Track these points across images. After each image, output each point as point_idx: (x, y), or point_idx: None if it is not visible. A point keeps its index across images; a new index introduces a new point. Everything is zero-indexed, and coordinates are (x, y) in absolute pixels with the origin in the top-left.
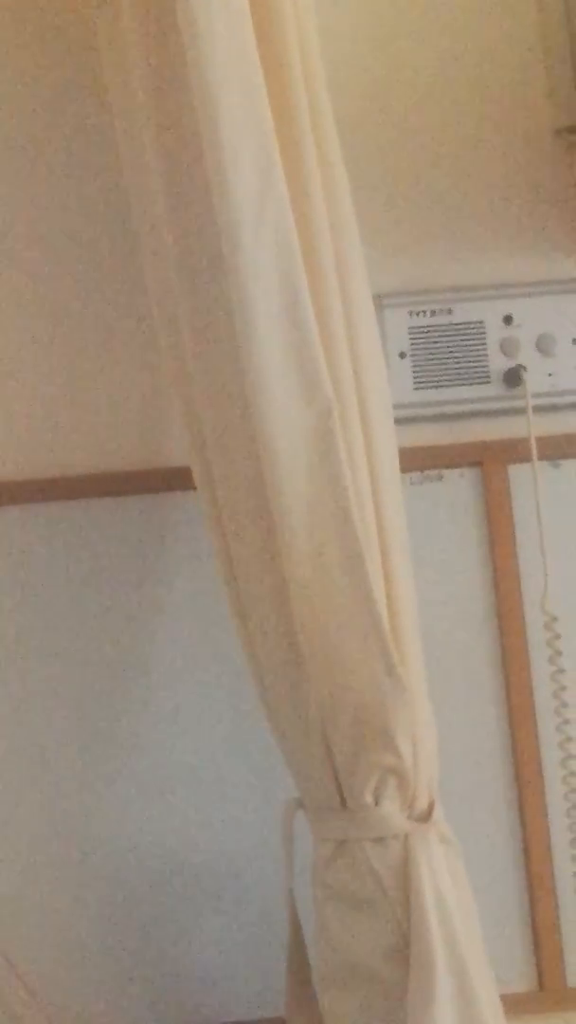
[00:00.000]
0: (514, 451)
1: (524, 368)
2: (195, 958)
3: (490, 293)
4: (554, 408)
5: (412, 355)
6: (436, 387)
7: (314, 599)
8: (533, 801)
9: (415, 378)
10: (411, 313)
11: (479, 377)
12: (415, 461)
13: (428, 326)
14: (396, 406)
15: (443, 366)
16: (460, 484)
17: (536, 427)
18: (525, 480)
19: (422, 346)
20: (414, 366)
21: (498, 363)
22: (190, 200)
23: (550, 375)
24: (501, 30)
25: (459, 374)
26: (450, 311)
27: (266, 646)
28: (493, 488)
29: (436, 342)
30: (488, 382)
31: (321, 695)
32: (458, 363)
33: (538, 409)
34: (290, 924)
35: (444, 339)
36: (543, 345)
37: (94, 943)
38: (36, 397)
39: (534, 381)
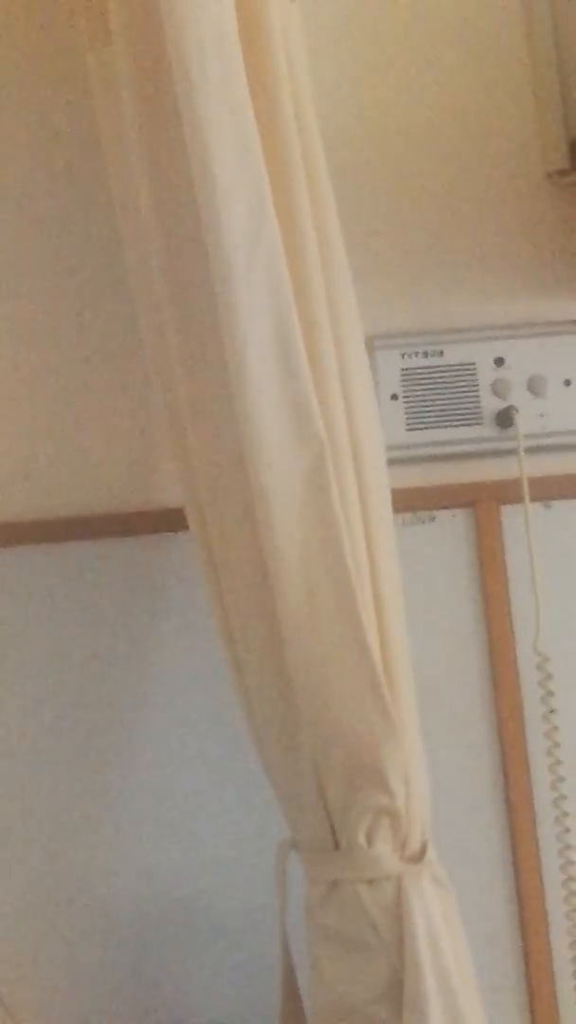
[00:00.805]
0: (506, 492)
1: (516, 409)
2: (188, 999)
3: (482, 335)
4: (546, 449)
5: (404, 397)
6: (428, 428)
7: (306, 640)
8: (526, 841)
9: (407, 419)
10: (403, 355)
11: (471, 418)
12: (407, 502)
13: (420, 368)
14: (388, 447)
15: (435, 407)
16: (452, 525)
17: (528, 468)
18: (517, 521)
19: (414, 388)
20: (406, 407)
21: (490, 404)
22: (183, 243)
23: (541, 416)
24: (493, 74)
25: (451, 415)
26: (442, 353)
27: (259, 686)
28: (485, 529)
29: (428, 384)
30: (480, 423)
31: (313, 735)
32: (450, 404)
33: (530, 450)
34: (282, 965)
35: (436, 381)
36: (534, 386)
37: (85, 981)
38: (27, 438)
39: (526, 422)
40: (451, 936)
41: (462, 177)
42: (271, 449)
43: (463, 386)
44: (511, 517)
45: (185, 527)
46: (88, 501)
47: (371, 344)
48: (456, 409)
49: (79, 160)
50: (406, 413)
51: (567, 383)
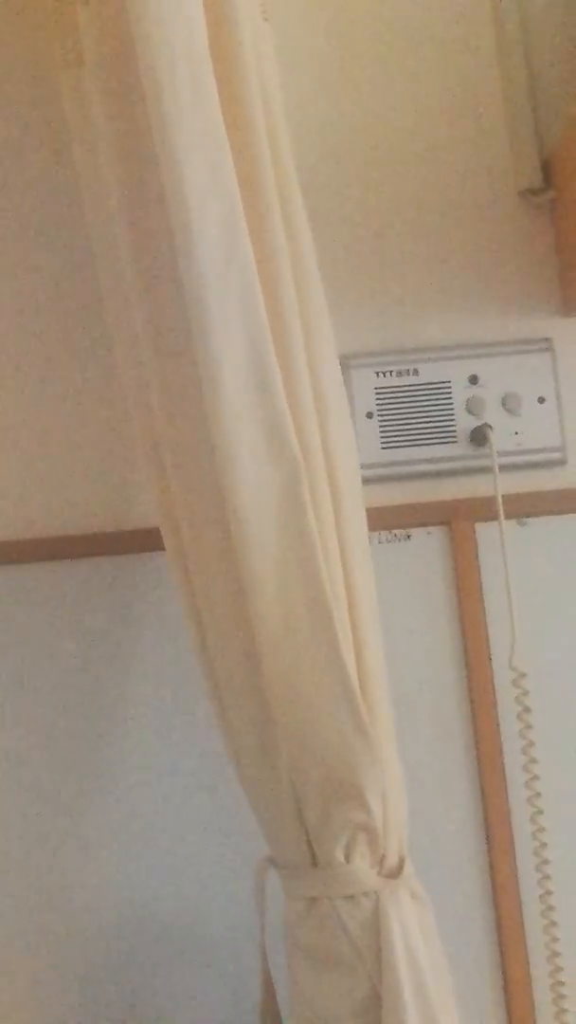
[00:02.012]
0: (481, 510)
1: (490, 427)
2: (168, 1015)
3: (456, 353)
4: (520, 466)
5: (379, 415)
6: (403, 446)
7: (283, 658)
8: (503, 856)
9: (382, 438)
10: (377, 373)
11: (446, 436)
12: (383, 520)
13: (394, 386)
14: (363, 466)
15: (410, 426)
16: (428, 543)
17: (503, 485)
18: (492, 538)
19: (389, 406)
20: (381, 426)
21: (464, 422)
22: (156, 262)
23: (516, 434)
24: (466, 94)
25: (426, 434)
26: (416, 371)
27: (236, 704)
28: (460, 546)
29: (403, 402)
30: (455, 441)
31: (291, 753)
32: (425, 423)
33: (504, 468)
34: (262, 981)
35: (410, 399)
36: (509, 404)
37: (65, 996)
38: (3, 460)
39: (500, 440)
40: (429, 951)
41: (435, 196)
42: (246, 468)
43: (438, 404)
44: (486, 534)
45: (161, 547)
46: (64, 521)
47: (346, 363)
48: (431, 427)
49: (53, 180)
50: (381, 431)
51: (541, 400)
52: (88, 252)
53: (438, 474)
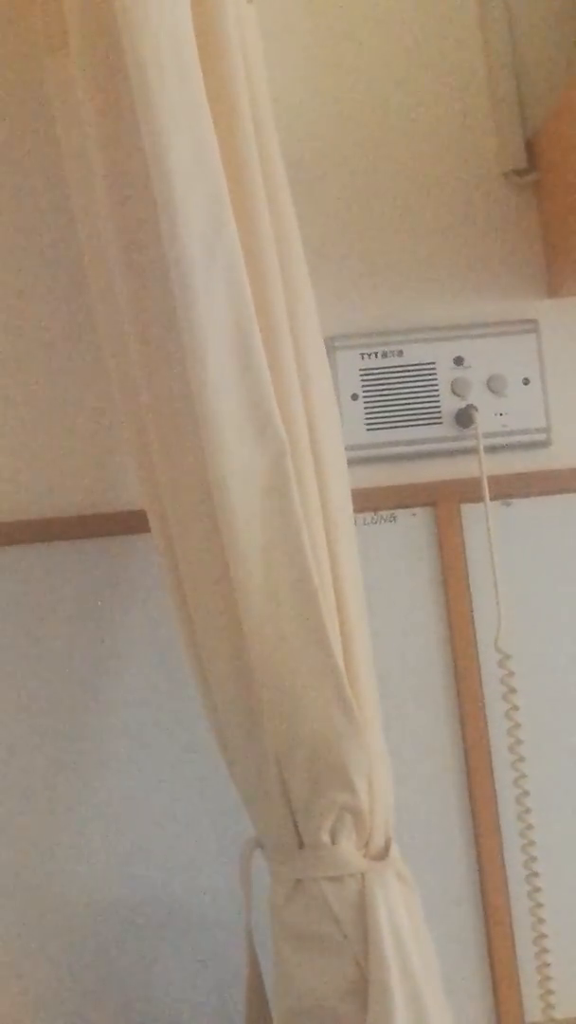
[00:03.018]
0: (466, 491)
1: (475, 408)
2: (154, 998)
3: (441, 335)
4: (505, 448)
5: (364, 397)
6: (388, 428)
7: (268, 639)
8: (488, 836)
9: (367, 419)
10: (362, 355)
11: (431, 418)
12: (368, 502)
13: (379, 368)
14: (349, 447)
15: (395, 407)
16: (413, 524)
17: (488, 467)
18: (478, 519)
19: (374, 388)
20: (366, 407)
21: (449, 404)
22: (142, 246)
23: (501, 415)
24: (451, 76)
25: (411, 415)
26: (401, 353)
27: (221, 687)
28: (446, 528)
29: (388, 383)
30: (440, 423)
31: (276, 734)
32: (410, 404)
33: (490, 449)
34: (248, 963)
35: (396, 380)
36: (494, 385)
37: (53, 984)
38: None
39: (485, 421)
40: (415, 932)
41: (419, 177)
42: (231, 450)
43: (423, 386)
44: (471, 515)
45: (146, 529)
46: (49, 504)
47: (331, 344)
48: (416, 408)
49: (38, 164)
50: (366, 413)
51: (526, 382)
52: (74, 236)
53: (423, 455)
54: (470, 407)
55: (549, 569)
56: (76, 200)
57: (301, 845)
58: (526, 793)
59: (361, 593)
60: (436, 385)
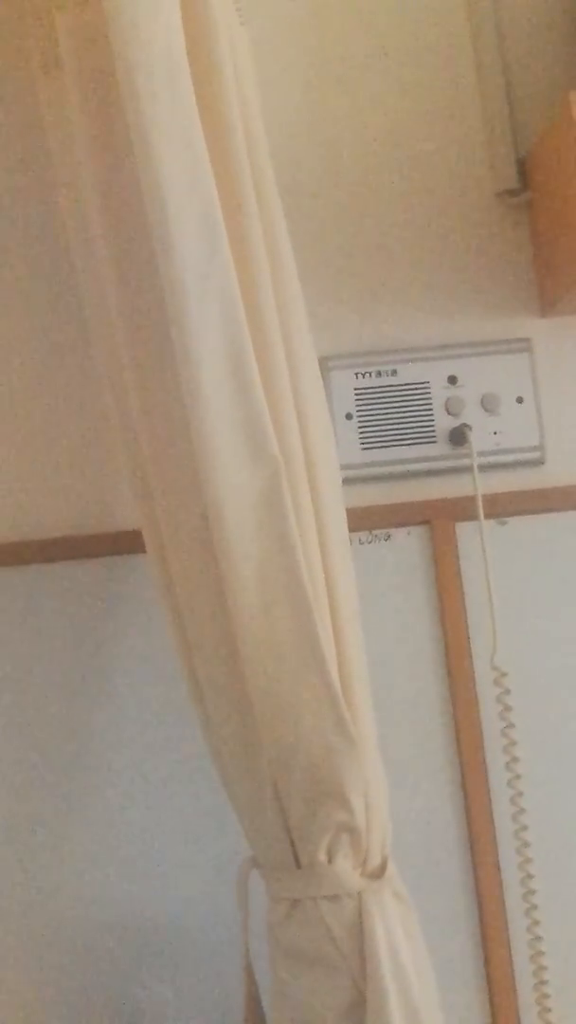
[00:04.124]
0: (461, 509)
1: (469, 427)
2: (150, 1018)
3: (434, 354)
4: (500, 466)
5: (358, 416)
6: (383, 447)
7: (264, 659)
8: (485, 855)
9: (362, 439)
10: (357, 374)
11: (425, 437)
12: (363, 521)
13: (374, 387)
14: (343, 467)
15: (389, 426)
16: (408, 543)
17: (482, 485)
18: (472, 538)
19: (368, 407)
20: (360, 427)
21: (444, 423)
22: (135, 266)
23: (495, 433)
24: (443, 97)
25: (405, 434)
26: (395, 372)
27: (217, 706)
28: (441, 546)
29: (382, 403)
30: (434, 441)
31: (273, 754)
32: (404, 423)
33: (484, 467)
34: (246, 983)
35: (390, 400)
36: (488, 404)
37: (49, 1002)
38: None
39: (479, 440)
40: (413, 951)
41: (412, 197)
42: (226, 470)
43: (417, 405)
44: (466, 534)
45: (142, 549)
46: (44, 524)
47: (325, 364)
48: (410, 428)
49: (31, 185)
50: (360, 432)
51: (519, 400)
52: (68, 256)
53: (418, 474)
54: (464, 426)
55: (544, 587)
56: (69, 221)
57: (298, 865)
58: (523, 811)
59: (356, 612)
60: (430, 404)
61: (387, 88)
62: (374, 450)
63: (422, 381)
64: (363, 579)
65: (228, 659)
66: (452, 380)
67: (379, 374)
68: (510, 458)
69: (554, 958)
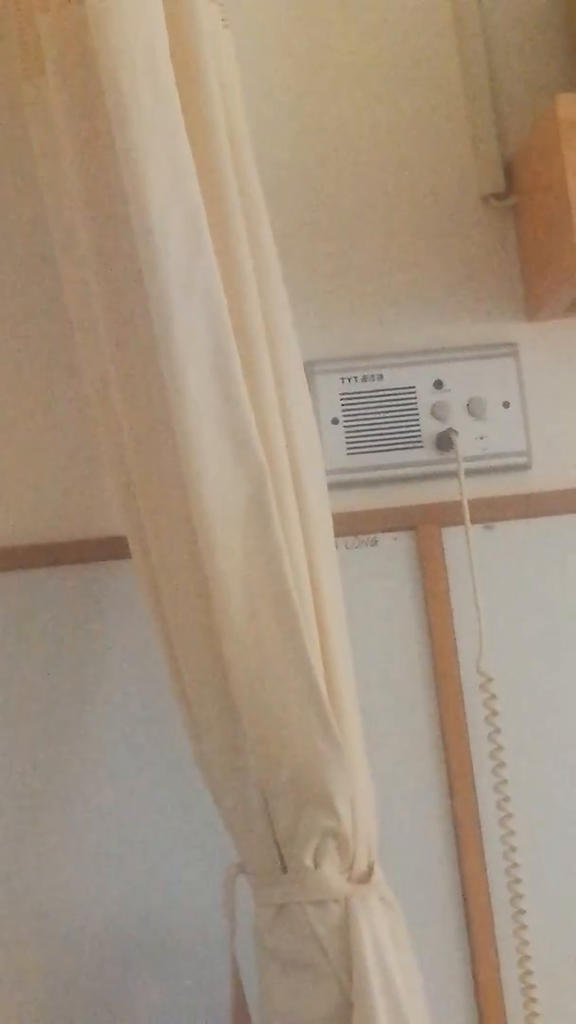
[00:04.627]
0: (447, 514)
1: (455, 432)
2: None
3: (420, 358)
4: (486, 471)
5: (344, 421)
6: (369, 452)
7: (250, 664)
8: (472, 859)
9: (348, 443)
10: (342, 379)
11: (411, 442)
12: (349, 526)
13: (360, 392)
14: (329, 472)
15: (375, 431)
16: (394, 548)
17: (468, 490)
18: (459, 543)
19: (354, 412)
20: (347, 432)
21: (430, 427)
22: (121, 271)
23: (481, 438)
24: (428, 99)
25: (391, 439)
26: (381, 377)
27: (204, 711)
28: (427, 551)
29: (368, 407)
30: (420, 446)
31: (259, 759)
32: (390, 428)
33: (470, 472)
34: (232, 989)
35: (376, 404)
36: (474, 409)
37: (35, 1006)
38: None
39: (465, 445)
40: (399, 956)
41: (398, 201)
42: (211, 476)
43: (403, 409)
44: (453, 539)
45: (127, 555)
46: (29, 530)
47: (311, 369)
48: (396, 432)
49: (15, 192)
50: (346, 437)
51: (506, 405)
52: (53, 263)
53: (404, 479)
54: (450, 431)
55: (530, 592)
56: (54, 226)
57: (284, 870)
58: (509, 815)
59: (343, 618)
60: (416, 409)
61: (372, 92)
62: (360, 455)
63: (408, 386)
64: (349, 584)
65: (214, 664)
66: (438, 385)
67: (365, 379)
68: (496, 463)
69: (541, 962)
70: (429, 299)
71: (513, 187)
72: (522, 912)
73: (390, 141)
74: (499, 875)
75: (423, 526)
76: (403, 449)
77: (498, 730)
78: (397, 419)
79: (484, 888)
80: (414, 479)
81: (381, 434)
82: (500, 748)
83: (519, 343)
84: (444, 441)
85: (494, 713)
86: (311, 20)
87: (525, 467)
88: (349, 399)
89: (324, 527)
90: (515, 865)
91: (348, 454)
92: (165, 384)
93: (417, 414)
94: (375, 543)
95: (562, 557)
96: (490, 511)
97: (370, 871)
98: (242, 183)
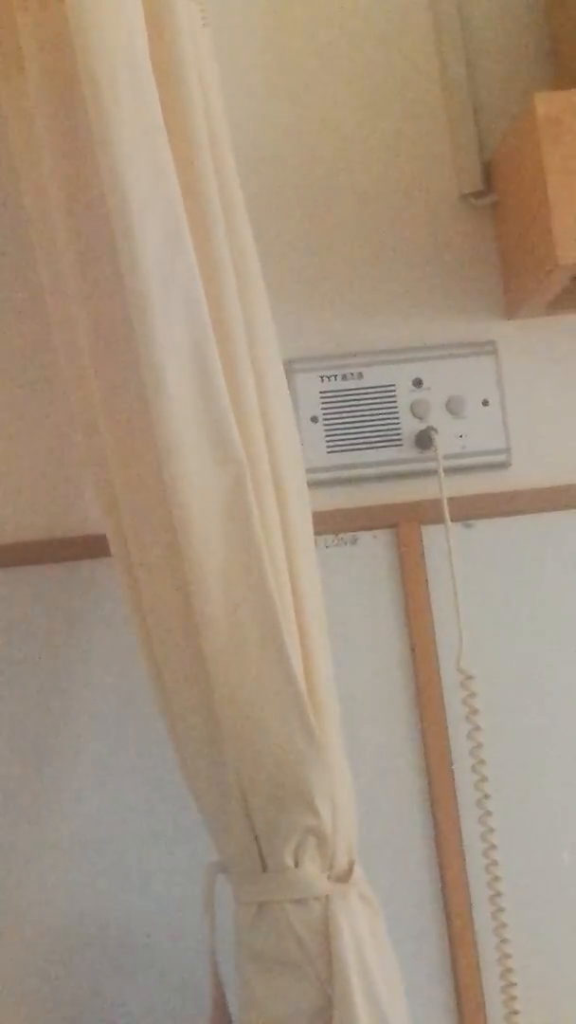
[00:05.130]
0: (427, 512)
1: (435, 430)
2: (119, 1022)
3: (400, 357)
4: (465, 469)
5: (324, 419)
6: (348, 450)
7: (230, 663)
8: (452, 858)
9: (327, 442)
10: (322, 378)
11: (391, 440)
12: (329, 524)
13: (339, 390)
14: (309, 470)
15: (355, 429)
16: (374, 546)
17: (448, 488)
18: (439, 541)
19: (334, 410)
20: (326, 430)
21: (409, 426)
22: (99, 271)
23: (461, 436)
24: (406, 98)
25: (371, 437)
26: (361, 375)
27: (183, 710)
28: (407, 549)
29: (348, 406)
30: (400, 445)
31: (239, 758)
32: (370, 426)
33: (450, 470)
34: (213, 988)
35: (355, 403)
36: (453, 407)
37: (14, 1005)
38: None
39: (445, 443)
40: (380, 954)
41: (377, 200)
42: (191, 473)
43: (382, 408)
44: (432, 537)
45: (107, 553)
46: (10, 528)
47: (290, 367)
48: (376, 431)
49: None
50: (326, 435)
51: (485, 403)
52: (30, 260)
53: (383, 477)
54: (430, 429)
55: (510, 590)
56: (33, 225)
57: (264, 868)
58: (489, 813)
59: (322, 615)
60: (396, 407)
61: (351, 91)
62: (340, 453)
63: (387, 384)
64: (329, 582)
65: (193, 662)
66: (418, 383)
67: (344, 377)
68: (476, 461)
69: (521, 960)
70: (408, 297)
71: (492, 186)
72: (502, 910)
73: (369, 140)
74: (479, 873)
75: (403, 524)
76: (383, 447)
77: (478, 728)
78: (377, 417)
79: (464, 888)
80: (394, 477)
81: (361, 432)
82: (480, 746)
83: (498, 341)
84: (424, 439)
85: (474, 711)
86: (290, 19)
87: (504, 465)
88: (329, 397)
89: (304, 525)
90: (495, 863)
91: (328, 452)
92: (144, 381)
93: (397, 412)
94: (355, 541)
95: (541, 555)
96: (470, 509)
97: (350, 869)
98: (221, 181)
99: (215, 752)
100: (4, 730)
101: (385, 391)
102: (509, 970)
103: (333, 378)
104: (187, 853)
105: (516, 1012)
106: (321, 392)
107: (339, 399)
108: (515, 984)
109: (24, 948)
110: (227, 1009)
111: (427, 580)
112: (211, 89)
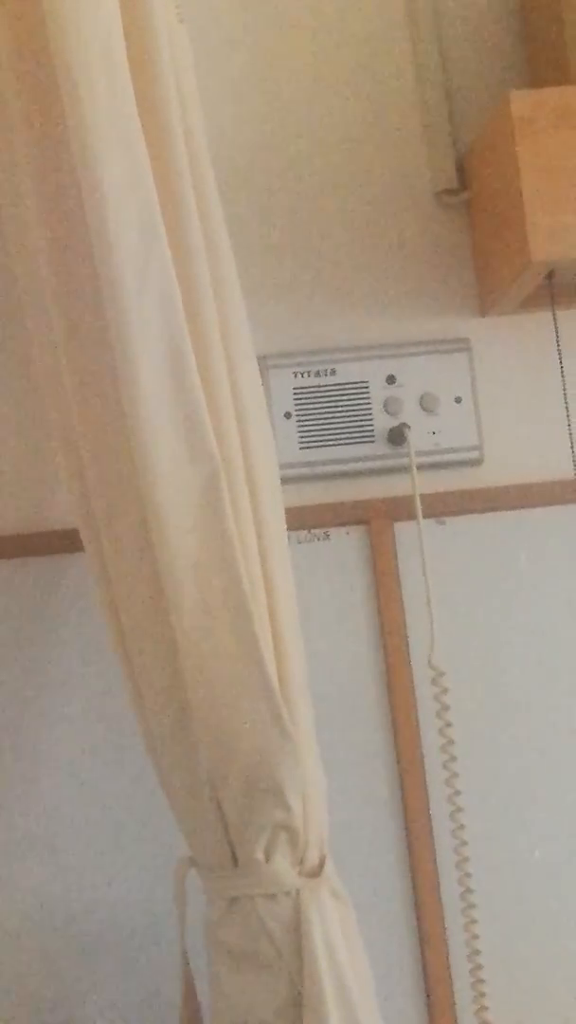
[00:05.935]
0: (399, 509)
1: (408, 427)
2: (87, 1017)
3: (373, 353)
4: (438, 466)
5: (297, 415)
6: (321, 446)
7: (202, 658)
8: (423, 854)
9: (300, 438)
10: (295, 374)
11: (364, 436)
12: (302, 520)
13: (312, 386)
14: (282, 466)
15: (328, 426)
16: (347, 542)
17: (420, 485)
18: (411, 537)
19: (307, 406)
20: (299, 426)
21: (382, 422)
22: (74, 266)
23: (433, 433)
24: (382, 97)
25: (344, 433)
26: (334, 371)
27: (155, 705)
28: (379, 546)
29: (321, 402)
30: (373, 441)
31: (211, 753)
32: (343, 423)
33: (422, 467)
34: (183, 983)
35: (328, 399)
36: (426, 404)
37: None
38: None
39: (418, 439)
40: (350, 949)
41: (352, 197)
42: (164, 468)
43: (355, 404)
44: (404, 534)
45: (80, 548)
46: None
47: (264, 363)
48: (349, 427)
49: None
50: (299, 431)
51: (458, 400)
52: (4, 254)
53: (356, 474)
54: (403, 425)
55: (482, 587)
56: (7, 219)
57: (235, 863)
58: (460, 809)
59: (295, 611)
60: (369, 404)
61: (326, 88)
62: (312, 449)
63: (361, 381)
64: (301, 578)
65: (166, 657)
66: (391, 380)
67: (318, 373)
68: (448, 458)
69: (491, 956)
70: (382, 294)
71: (466, 183)
72: (472, 906)
73: (344, 137)
74: (450, 868)
75: (375, 520)
76: (355, 444)
77: (449, 724)
78: (350, 414)
79: (434, 882)
80: (366, 474)
81: (334, 429)
82: (451, 742)
83: (471, 338)
84: (396, 436)
85: (445, 707)
86: (265, 15)
87: (477, 462)
88: (302, 393)
89: (276, 521)
90: (465, 859)
91: (301, 448)
92: (118, 375)
93: (370, 409)
94: (327, 537)
95: (513, 552)
96: (442, 506)
97: (321, 864)
98: (196, 176)
99: (187, 746)
100: None
101: (358, 387)
102: (479, 966)
103: (306, 374)
104: (158, 847)
105: (486, 1008)
106: (294, 388)
107: (312, 395)
108: (484, 980)
109: None
110: (197, 1003)
111: (399, 576)
112: (187, 84)
